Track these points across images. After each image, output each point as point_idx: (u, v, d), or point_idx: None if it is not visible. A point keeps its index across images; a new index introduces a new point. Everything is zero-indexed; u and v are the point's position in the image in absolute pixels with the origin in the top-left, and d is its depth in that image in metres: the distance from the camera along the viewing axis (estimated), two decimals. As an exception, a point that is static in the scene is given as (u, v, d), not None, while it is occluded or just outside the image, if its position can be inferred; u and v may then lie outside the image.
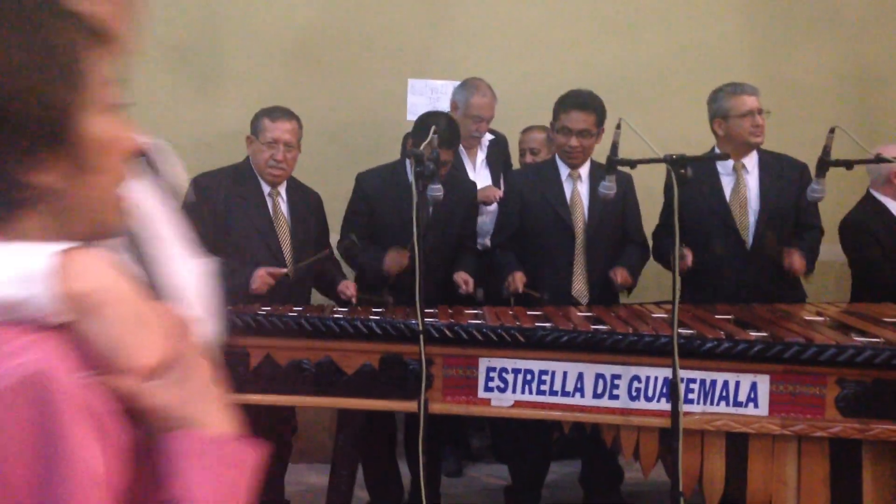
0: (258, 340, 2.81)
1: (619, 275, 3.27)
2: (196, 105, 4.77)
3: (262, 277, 3.06)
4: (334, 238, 3.51)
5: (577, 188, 3.39)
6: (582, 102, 3.29)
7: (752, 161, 3.43)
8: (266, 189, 3.24)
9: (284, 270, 3.09)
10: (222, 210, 3.18)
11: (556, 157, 3.47)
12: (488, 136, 4.04)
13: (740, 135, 3.39)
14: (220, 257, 3.10)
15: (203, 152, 4.56)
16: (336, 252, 3.41)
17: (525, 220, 3.40)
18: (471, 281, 3.29)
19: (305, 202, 3.36)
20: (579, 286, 3.34)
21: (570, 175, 3.40)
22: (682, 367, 2.62)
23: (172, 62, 4.76)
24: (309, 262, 3.19)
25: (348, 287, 3.21)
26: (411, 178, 3.33)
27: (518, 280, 3.20)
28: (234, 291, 3.03)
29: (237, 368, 2.81)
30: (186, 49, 4.77)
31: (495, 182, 3.96)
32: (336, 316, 2.86)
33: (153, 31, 4.69)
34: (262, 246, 3.19)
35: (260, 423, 3.18)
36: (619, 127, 2.82)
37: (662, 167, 2.83)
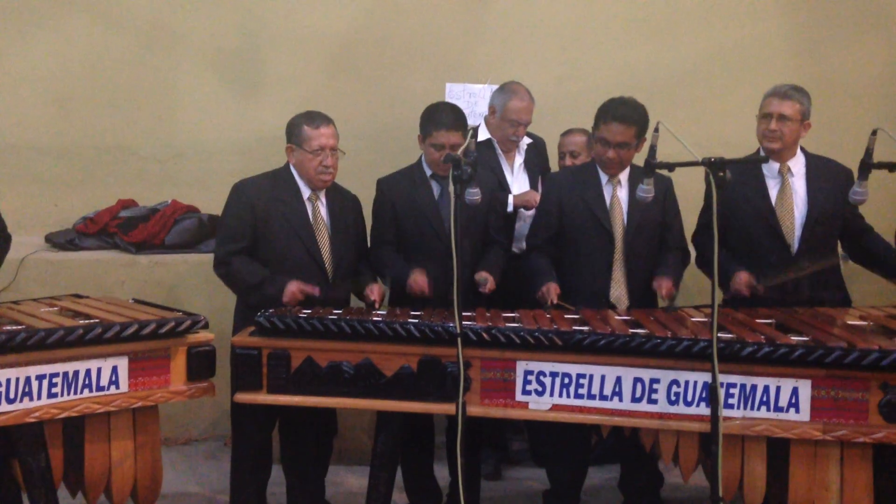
0: (299, 343, 2.86)
1: (664, 288, 3.22)
2: (237, 109, 4.86)
3: (293, 293, 3.10)
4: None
5: (617, 193, 3.37)
6: (622, 115, 3.25)
7: (798, 164, 3.36)
8: (306, 193, 3.28)
9: (317, 292, 3.12)
10: (263, 215, 3.22)
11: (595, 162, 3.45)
12: (526, 140, 4.04)
13: (760, 137, 3.35)
14: (262, 261, 3.19)
15: (244, 155, 4.66)
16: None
17: (563, 223, 3.39)
18: (491, 280, 3.28)
19: (344, 205, 3.39)
20: (618, 292, 3.31)
21: (609, 180, 3.38)
22: (722, 372, 2.61)
23: (215, 67, 4.85)
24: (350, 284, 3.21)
25: (373, 291, 3.24)
26: (429, 172, 3.39)
27: (552, 292, 3.18)
28: (266, 301, 3.08)
29: (279, 370, 2.86)
30: (228, 54, 4.86)
31: (533, 186, 3.96)
32: (375, 319, 2.89)
33: (196, 37, 4.80)
34: (301, 250, 3.24)
35: (301, 424, 3.24)
36: (657, 130, 2.81)
37: (703, 170, 2.81)
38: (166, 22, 4.78)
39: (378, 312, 3.07)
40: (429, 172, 3.40)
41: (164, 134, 4.80)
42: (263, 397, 2.88)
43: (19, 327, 2.65)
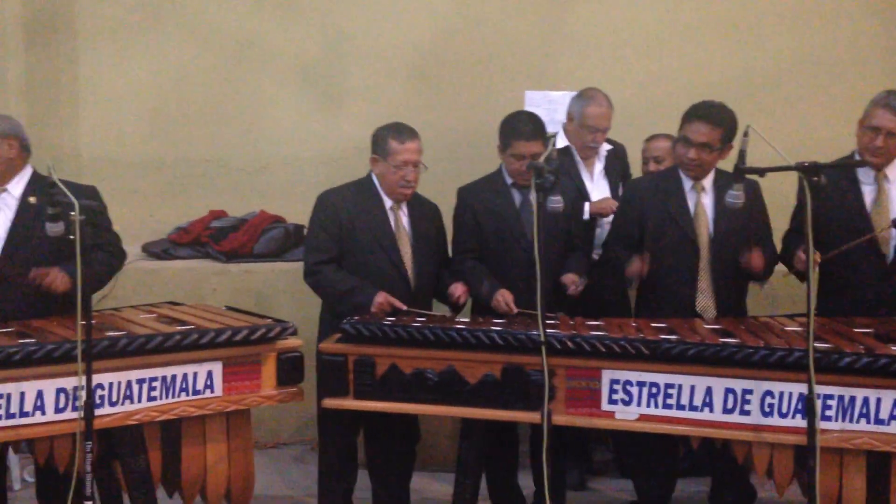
0: (384, 350, 2.90)
1: (756, 260, 3.12)
2: (321, 121, 4.97)
3: (380, 305, 3.14)
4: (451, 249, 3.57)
5: (701, 199, 3.28)
6: (708, 115, 3.17)
7: (895, 171, 3.23)
8: (388, 203, 3.33)
9: (403, 307, 3.16)
10: (347, 225, 3.28)
11: (678, 168, 3.38)
12: (606, 147, 4.00)
13: (861, 146, 3.21)
14: (347, 271, 3.25)
15: (327, 166, 4.76)
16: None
17: (645, 231, 3.32)
18: (579, 280, 3.25)
19: (426, 215, 3.42)
20: (704, 301, 3.23)
21: (693, 186, 3.30)
22: (819, 383, 2.53)
23: (299, 81, 4.98)
24: (423, 312, 3.23)
25: (457, 288, 3.25)
26: (509, 181, 3.38)
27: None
28: (354, 309, 3.12)
29: (364, 377, 2.91)
30: (312, 68, 4.98)
31: (613, 193, 3.91)
32: (458, 327, 2.91)
33: (282, 52, 4.94)
34: (384, 259, 3.28)
35: (384, 430, 3.28)
36: (746, 134, 2.75)
37: (791, 175, 2.74)
38: (253, 38, 4.92)
39: (461, 320, 3.08)
40: (509, 181, 3.40)
41: (252, 146, 4.94)
42: (350, 402, 2.93)
43: (121, 333, 2.77)
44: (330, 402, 2.94)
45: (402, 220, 3.34)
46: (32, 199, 2.98)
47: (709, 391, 2.70)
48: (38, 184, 3.05)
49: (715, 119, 3.18)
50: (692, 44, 4.86)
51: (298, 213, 4.45)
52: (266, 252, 4.57)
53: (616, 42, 4.90)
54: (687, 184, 3.30)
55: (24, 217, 2.99)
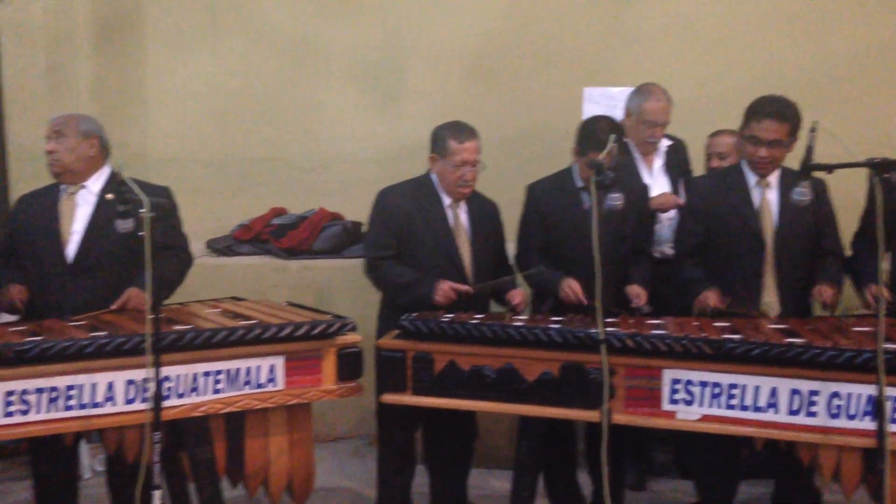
0: (442, 346, 2.92)
1: (826, 294, 3.05)
2: (379, 120, 5.01)
3: (445, 292, 3.16)
4: (510, 247, 3.57)
5: (766, 196, 3.22)
6: (776, 111, 3.11)
7: None
8: (446, 201, 3.34)
9: (467, 288, 3.17)
10: (406, 222, 3.31)
11: (742, 163, 3.32)
12: (666, 142, 3.95)
13: None
14: (406, 266, 3.28)
15: (385, 164, 4.80)
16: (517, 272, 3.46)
17: (710, 228, 3.27)
18: (643, 295, 3.23)
19: (484, 212, 3.43)
20: (769, 299, 3.17)
21: (758, 182, 3.24)
22: (889, 384, 2.46)
23: (357, 80, 5.04)
24: (492, 283, 3.26)
25: (515, 296, 3.25)
26: (579, 184, 3.36)
27: (711, 298, 3.08)
28: (417, 301, 3.15)
29: (422, 373, 2.93)
30: (370, 67, 5.03)
31: (674, 189, 3.86)
32: (517, 324, 2.90)
33: (340, 52, 5.00)
34: (443, 256, 3.30)
35: (442, 426, 3.30)
36: (813, 130, 2.68)
37: (859, 172, 2.66)
38: (313, 39, 4.99)
39: (519, 318, 3.08)
40: (579, 184, 3.37)
41: (312, 145, 5.02)
42: (408, 398, 2.96)
43: (187, 327, 2.84)
44: (389, 398, 2.97)
45: (460, 217, 3.35)
46: (110, 196, 3.09)
47: (773, 392, 2.65)
48: (113, 182, 3.14)
49: (782, 114, 3.11)
50: (756, 37, 4.75)
51: (357, 210, 4.50)
52: (325, 249, 4.64)
53: (677, 36, 4.82)
54: (751, 179, 3.24)
55: (102, 213, 3.09)
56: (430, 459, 3.44)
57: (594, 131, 3.23)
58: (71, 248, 3.08)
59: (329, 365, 2.99)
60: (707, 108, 4.45)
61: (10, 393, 2.56)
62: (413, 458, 3.43)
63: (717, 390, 2.70)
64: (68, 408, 2.64)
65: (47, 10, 4.80)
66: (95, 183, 3.17)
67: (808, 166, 2.72)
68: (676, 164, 3.97)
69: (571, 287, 3.20)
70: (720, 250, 3.23)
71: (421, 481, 3.47)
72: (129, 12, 4.90)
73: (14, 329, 2.77)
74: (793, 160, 3.00)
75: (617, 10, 4.88)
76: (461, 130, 3.28)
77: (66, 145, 3.09)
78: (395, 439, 3.34)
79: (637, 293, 3.22)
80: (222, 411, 2.84)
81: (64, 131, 3.10)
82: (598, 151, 3.09)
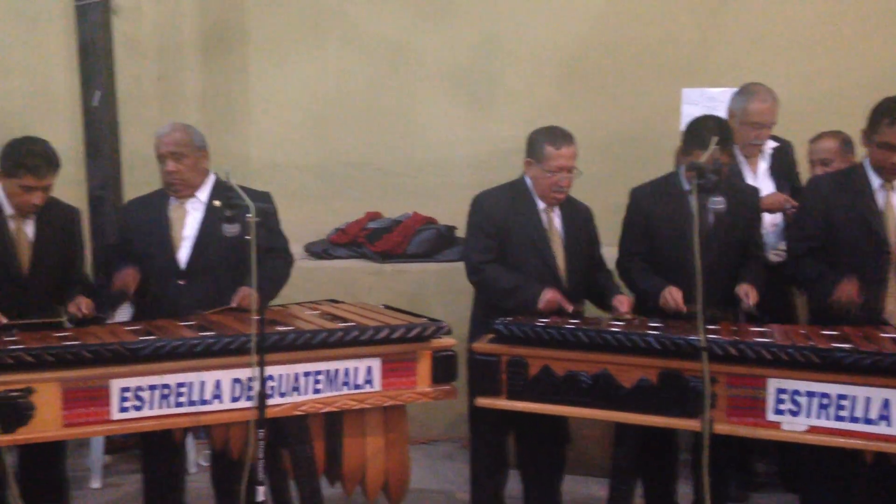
0: (537, 351, 2.91)
1: None
2: (472, 124, 5.03)
3: (549, 301, 3.13)
4: (605, 250, 3.52)
5: (891, 199, 3.07)
6: None
7: None
8: (541, 205, 3.33)
9: (570, 308, 3.14)
10: (501, 226, 3.31)
11: (866, 164, 3.16)
12: (771, 144, 3.82)
13: None
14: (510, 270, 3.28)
15: (478, 168, 4.82)
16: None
17: (828, 232, 3.13)
18: (753, 293, 3.12)
19: (577, 216, 3.40)
20: (893, 307, 3.02)
21: (882, 184, 3.09)
22: None
23: (451, 85, 5.07)
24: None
25: (623, 303, 3.21)
26: (686, 187, 3.28)
27: (854, 289, 2.95)
28: (521, 305, 3.15)
29: (516, 377, 2.93)
30: (464, 72, 5.05)
31: (780, 192, 3.73)
32: (614, 329, 2.87)
33: (435, 57, 5.04)
34: (537, 260, 3.28)
35: (534, 431, 3.29)
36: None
37: None
38: (408, 45, 5.06)
39: (616, 323, 3.04)
40: (686, 187, 3.29)
41: (406, 149, 5.07)
42: (503, 402, 2.96)
43: (288, 328, 2.93)
44: (483, 402, 2.98)
45: (554, 221, 3.33)
46: (217, 203, 3.21)
47: (886, 403, 2.53)
48: (219, 189, 3.27)
49: None
50: (863, 35, 4.55)
51: (450, 214, 4.54)
52: (419, 252, 4.69)
53: (780, 34, 4.66)
54: (875, 181, 3.10)
55: (210, 220, 3.21)
56: (522, 464, 3.43)
57: (698, 130, 3.16)
58: (183, 254, 3.21)
59: (424, 367, 3.02)
60: (811, 109, 4.29)
61: (125, 389, 2.69)
62: (505, 462, 3.43)
63: (825, 401, 2.60)
64: (178, 404, 2.75)
65: (157, 23, 5.03)
66: (203, 192, 3.29)
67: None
68: (782, 166, 3.83)
69: (672, 295, 3.13)
70: (839, 255, 3.08)
71: (515, 486, 3.47)
72: (234, 23, 5.08)
73: (129, 328, 2.91)
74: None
75: (716, 7, 4.75)
76: (558, 136, 3.26)
77: (187, 164, 3.21)
78: (487, 442, 3.35)
79: (746, 291, 3.12)
80: (321, 411, 2.91)
81: (183, 151, 3.19)
82: (701, 151, 3.03)
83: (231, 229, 2.77)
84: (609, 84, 4.84)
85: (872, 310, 3.03)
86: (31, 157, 3.06)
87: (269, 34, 5.09)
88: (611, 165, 4.45)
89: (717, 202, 2.82)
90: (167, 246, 3.21)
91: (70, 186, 4.80)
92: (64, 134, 4.94)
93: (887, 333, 2.79)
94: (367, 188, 5.08)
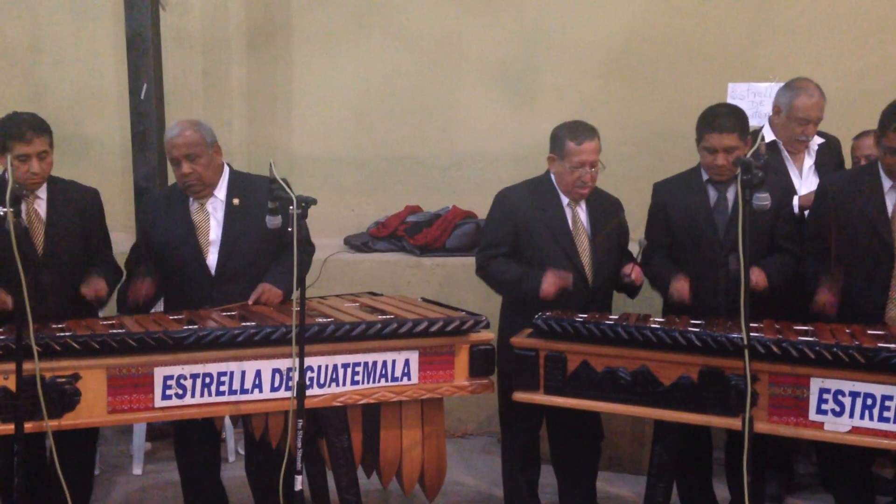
0: (575, 346, 2.89)
1: None
2: (514, 118, 5.02)
3: (550, 284, 3.10)
4: (633, 246, 3.49)
5: None
6: None
7: None
8: (565, 200, 3.30)
9: (569, 277, 3.13)
10: (524, 222, 3.30)
11: (878, 164, 3.08)
12: (818, 140, 3.75)
13: None
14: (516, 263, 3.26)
15: (519, 163, 4.79)
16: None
17: (836, 231, 3.06)
18: (761, 277, 3.03)
19: (605, 210, 3.36)
20: (894, 312, 2.95)
21: (893, 186, 3.02)
22: None
23: (494, 79, 5.06)
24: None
25: (634, 269, 3.17)
26: (705, 177, 3.24)
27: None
28: (525, 297, 3.14)
29: (554, 372, 2.92)
30: (506, 66, 5.04)
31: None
32: (654, 326, 2.84)
33: (477, 51, 5.04)
34: (561, 255, 3.25)
35: (567, 426, 3.28)
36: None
37: None
38: (451, 39, 5.06)
39: (656, 319, 3.01)
40: (705, 178, 3.27)
41: (447, 144, 5.08)
42: (541, 397, 2.95)
43: (328, 320, 2.95)
44: (520, 396, 2.98)
45: (579, 215, 3.30)
46: (236, 201, 3.17)
47: (933, 406, 2.47)
48: (236, 181, 3.24)
49: None
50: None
51: (489, 209, 4.53)
52: (457, 246, 4.70)
53: (829, 28, 4.56)
54: (886, 183, 3.02)
55: (232, 218, 3.19)
56: (556, 460, 3.42)
57: (710, 114, 3.16)
58: (212, 259, 3.17)
59: (462, 361, 3.02)
60: (860, 105, 4.18)
61: (168, 377, 2.75)
62: (537, 457, 3.42)
63: (869, 401, 2.56)
64: (219, 393, 2.80)
65: (204, 18, 5.11)
66: (220, 189, 3.22)
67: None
68: (830, 163, 3.75)
69: (678, 289, 3.10)
70: (845, 256, 3.02)
71: (550, 482, 3.46)
72: (279, 18, 5.13)
73: (173, 317, 2.97)
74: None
75: (762, 1, 4.66)
76: (580, 131, 3.22)
77: (202, 163, 3.11)
78: (518, 437, 3.35)
79: (756, 274, 3.03)
80: (359, 402, 2.94)
81: (196, 151, 3.09)
82: (712, 133, 3.09)
83: (274, 221, 2.80)
84: (653, 78, 4.79)
85: (872, 313, 2.96)
86: (14, 125, 3.00)
87: (314, 28, 5.13)
88: (654, 161, 4.41)
89: (762, 198, 2.77)
90: (196, 252, 3.16)
91: (117, 177, 4.93)
92: (112, 126, 5.06)
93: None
94: (407, 182, 5.10)
